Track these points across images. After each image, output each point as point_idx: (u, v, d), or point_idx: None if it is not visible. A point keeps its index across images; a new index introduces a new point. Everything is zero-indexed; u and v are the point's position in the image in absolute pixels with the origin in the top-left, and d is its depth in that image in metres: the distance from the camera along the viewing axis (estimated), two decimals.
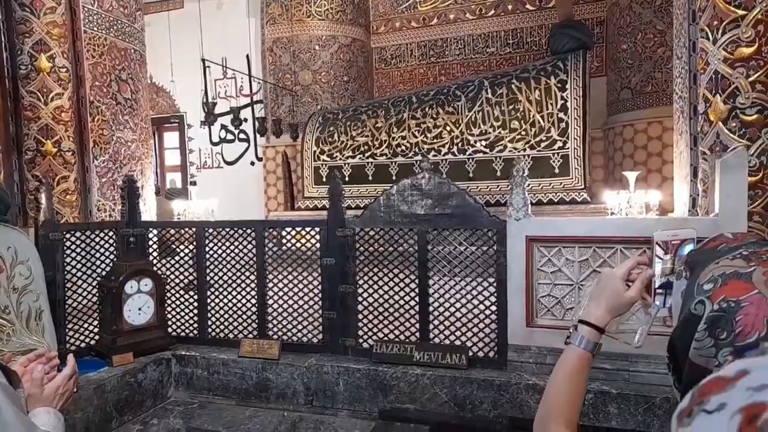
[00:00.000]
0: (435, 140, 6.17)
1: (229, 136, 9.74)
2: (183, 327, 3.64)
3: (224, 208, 6.66)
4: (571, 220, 3.15)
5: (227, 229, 3.59)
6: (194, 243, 3.67)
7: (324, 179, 6.72)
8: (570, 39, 6.00)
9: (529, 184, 6.01)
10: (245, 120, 8.52)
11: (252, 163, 9.62)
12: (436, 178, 3.11)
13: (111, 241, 3.57)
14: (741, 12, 2.62)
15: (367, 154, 6.52)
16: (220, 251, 3.59)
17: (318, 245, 3.34)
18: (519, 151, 5.74)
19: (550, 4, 8.23)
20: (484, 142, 5.94)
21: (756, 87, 2.58)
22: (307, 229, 3.43)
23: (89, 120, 4.39)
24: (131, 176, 3.76)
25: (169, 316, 3.63)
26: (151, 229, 3.80)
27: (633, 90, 7.06)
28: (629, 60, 7.07)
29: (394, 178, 6.29)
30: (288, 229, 3.54)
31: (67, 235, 3.30)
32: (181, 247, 3.90)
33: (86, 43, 4.38)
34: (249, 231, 3.50)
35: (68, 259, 3.30)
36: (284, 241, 3.58)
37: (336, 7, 8.51)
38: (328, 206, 3.38)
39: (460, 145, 6.04)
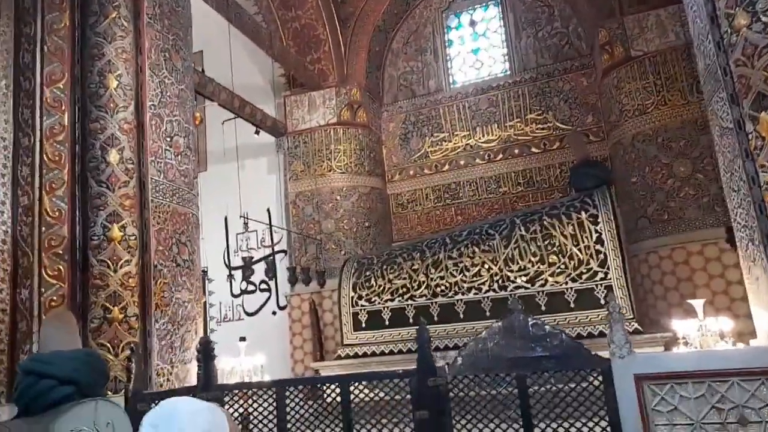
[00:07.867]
0: (474, 278, 6.28)
1: (250, 287, 9.78)
2: None
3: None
4: (678, 354, 3.15)
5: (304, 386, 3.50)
6: (258, 405, 3.55)
7: (363, 325, 6.68)
8: (591, 177, 6.43)
9: (576, 317, 5.99)
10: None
11: (273, 313, 9.56)
12: (528, 319, 3.14)
13: None
14: None
15: (406, 296, 6.57)
16: (302, 411, 3.46)
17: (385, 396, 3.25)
18: (561, 285, 5.83)
19: (553, 146, 8.91)
20: (524, 278, 6.05)
21: None
22: (395, 380, 3.35)
23: (152, 284, 4.45)
24: (207, 338, 3.73)
25: None
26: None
27: (650, 219, 7.37)
28: (641, 192, 7.47)
29: (435, 318, 6.28)
30: (364, 383, 3.46)
31: (152, 406, 3.18)
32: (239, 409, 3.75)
33: (152, 211, 4.59)
34: (333, 386, 3.42)
35: None
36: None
37: (354, 161, 9.12)
38: (416, 351, 3.30)
39: (500, 281, 6.14)
